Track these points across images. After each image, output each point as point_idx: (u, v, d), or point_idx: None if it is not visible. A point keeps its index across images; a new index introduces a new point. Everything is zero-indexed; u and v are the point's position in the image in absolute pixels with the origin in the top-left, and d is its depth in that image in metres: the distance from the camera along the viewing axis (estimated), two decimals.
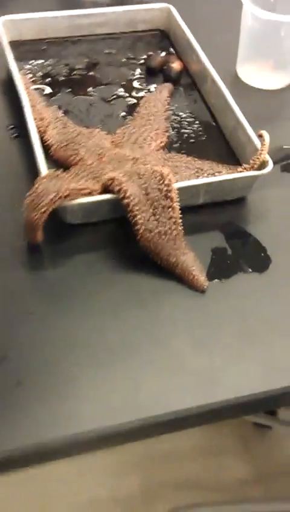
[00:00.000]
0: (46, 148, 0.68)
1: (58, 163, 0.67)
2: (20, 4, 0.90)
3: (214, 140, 0.72)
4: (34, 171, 0.63)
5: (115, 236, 0.63)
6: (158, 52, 0.83)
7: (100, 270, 0.60)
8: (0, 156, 0.70)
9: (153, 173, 0.61)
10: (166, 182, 0.60)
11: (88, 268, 0.61)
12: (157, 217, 0.59)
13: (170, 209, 0.59)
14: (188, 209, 0.62)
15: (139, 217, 0.59)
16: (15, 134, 0.72)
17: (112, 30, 0.85)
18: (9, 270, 0.60)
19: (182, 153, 0.70)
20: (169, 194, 0.59)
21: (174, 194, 0.60)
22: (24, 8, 0.85)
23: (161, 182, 0.60)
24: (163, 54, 0.83)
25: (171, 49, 0.84)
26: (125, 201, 0.59)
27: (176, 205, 0.60)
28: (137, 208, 0.59)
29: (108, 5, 0.91)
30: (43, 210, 0.58)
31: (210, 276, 0.60)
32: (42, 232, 0.59)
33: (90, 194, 0.61)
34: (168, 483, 1.21)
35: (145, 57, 0.82)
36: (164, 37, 0.86)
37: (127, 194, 0.59)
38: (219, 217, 0.66)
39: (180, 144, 0.72)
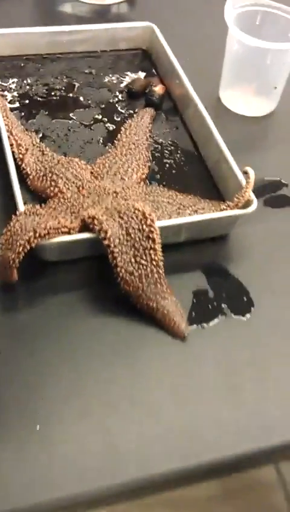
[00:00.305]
0: (21, 175, 0.65)
1: (35, 192, 0.65)
2: None
3: (196, 172, 0.70)
4: (10, 203, 0.61)
5: (93, 276, 0.61)
6: (139, 74, 0.81)
7: (76, 312, 0.58)
8: None
9: (135, 212, 0.58)
10: (148, 223, 0.58)
11: (63, 309, 0.58)
12: (138, 259, 0.57)
13: (151, 251, 0.57)
14: (168, 247, 0.60)
15: (119, 259, 0.57)
16: None
17: (92, 48, 0.82)
18: None
19: (163, 185, 0.68)
20: (151, 235, 0.57)
21: (156, 236, 0.57)
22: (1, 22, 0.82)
23: (143, 222, 0.58)
24: (144, 75, 0.80)
25: (153, 70, 0.82)
26: (106, 242, 0.57)
27: (158, 247, 0.57)
28: (117, 249, 0.57)
29: (90, 19, 0.89)
30: (19, 250, 0.55)
31: (191, 321, 0.58)
32: (17, 271, 0.57)
33: (68, 232, 0.58)
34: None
35: (126, 78, 0.80)
36: (146, 56, 0.84)
37: (108, 235, 0.57)
38: (200, 255, 0.64)
39: (161, 174, 0.69)
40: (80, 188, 0.63)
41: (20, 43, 0.79)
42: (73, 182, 0.64)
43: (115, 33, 0.83)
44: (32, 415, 0.51)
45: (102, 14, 0.92)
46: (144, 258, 0.57)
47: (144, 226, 0.58)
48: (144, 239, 0.57)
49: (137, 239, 0.57)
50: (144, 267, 0.57)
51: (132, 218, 0.58)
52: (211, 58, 0.83)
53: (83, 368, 0.54)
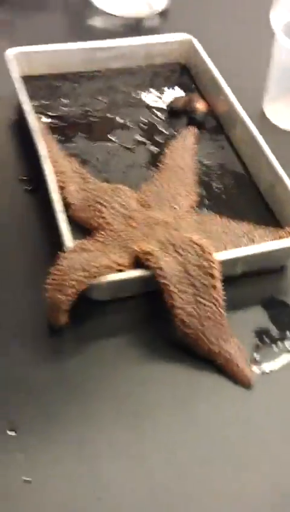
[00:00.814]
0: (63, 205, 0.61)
1: (78, 222, 0.61)
2: (23, 33, 0.83)
3: (248, 196, 0.66)
4: (55, 235, 0.56)
5: (145, 315, 0.56)
6: (178, 90, 0.76)
7: (128, 356, 0.53)
8: (13, 215, 0.62)
9: (191, 245, 0.54)
10: (207, 257, 0.53)
11: (114, 353, 0.54)
12: (198, 298, 0.52)
13: (212, 289, 0.53)
14: (222, 281, 0.55)
15: (177, 299, 0.52)
16: (29, 188, 0.64)
17: (128, 64, 0.77)
18: (23, 356, 0.52)
19: (214, 212, 0.63)
20: (211, 271, 0.53)
21: (216, 271, 0.53)
22: (29, 38, 0.77)
23: (201, 256, 0.53)
24: (182, 92, 0.76)
25: (193, 85, 0.77)
26: (162, 280, 0.52)
27: (219, 284, 0.53)
28: (175, 289, 0.52)
29: (122, 32, 0.84)
30: (70, 292, 0.51)
31: (254, 365, 0.53)
32: (68, 314, 0.53)
33: (120, 269, 0.54)
34: None
35: (165, 95, 0.75)
36: (184, 71, 0.79)
37: (165, 273, 0.52)
38: (257, 289, 0.59)
39: (211, 200, 0.65)
40: (128, 219, 0.59)
41: (55, 60, 0.74)
42: (120, 212, 0.59)
43: (152, 47, 0.78)
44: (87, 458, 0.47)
45: (134, 28, 0.87)
46: (204, 297, 0.53)
47: (203, 261, 0.53)
48: (204, 275, 0.53)
49: (196, 276, 0.53)
50: (205, 307, 0.52)
51: (189, 252, 0.54)
52: (254, 70, 0.78)
53: (137, 418, 0.50)
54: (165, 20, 0.90)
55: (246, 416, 0.51)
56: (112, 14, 0.89)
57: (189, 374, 0.53)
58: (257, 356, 0.54)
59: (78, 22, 0.89)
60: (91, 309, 0.55)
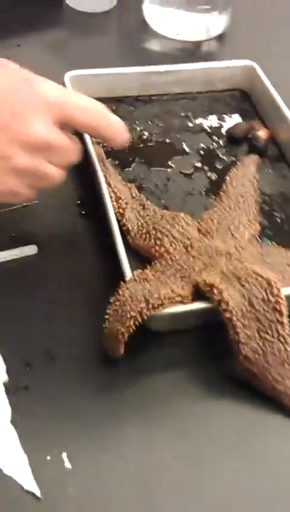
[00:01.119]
0: (121, 231, 0.59)
1: (136, 250, 0.59)
2: (79, 55, 0.82)
3: None
4: (112, 263, 0.55)
5: (205, 349, 0.54)
6: (238, 117, 0.74)
7: (186, 392, 0.51)
8: (70, 240, 0.61)
9: (257, 279, 0.52)
10: (274, 292, 0.50)
11: (171, 388, 0.51)
12: (263, 334, 0.50)
13: (278, 325, 0.50)
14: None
15: (242, 334, 0.50)
16: (83, 211, 0.63)
17: (187, 89, 0.76)
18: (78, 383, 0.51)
19: (276, 243, 0.61)
20: (278, 307, 0.50)
21: (283, 307, 0.50)
22: (85, 61, 0.76)
23: (268, 291, 0.51)
24: (242, 118, 0.74)
25: (254, 112, 0.75)
26: (227, 315, 0.50)
27: (286, 320, 0.50)
28: (240, 323, 0.50)
29: (179, 57, 0.83)
30: (129, 323, 0.49)
31: None
32: (126, 345, 0.51)
33: (181, 301, 0.52)
34: None
35: (224, 121, 0.74)
36: (245, 97, 0.77)
37: (230, 307, 0.50)
38: None
39: (273, 230, 0.62)
40: (189, 248, 0.57)
41: (112, 84, 0.73)
42: (180, 241, 0.57)
43: (212, 73, 0.76)
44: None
45: (191, 52, 0.86)
46: (270, 333, 0.50)
47: (270, 296, 0.51)
48: (270, 311, 0.50)
49: (261, 311, 0.50)
50: (270, 343, 0.50)
51: (254, 286, 0.51)
52: None
53: (197, 457, 0.48)
54: (222, 44, 0.88)
55: None
56: (168, 38, 0.87)
57: (250, 412, 0.50)
58: None
59: (135, 45, 0.87)
60: (148, 340, 0.53)
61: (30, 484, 0.45)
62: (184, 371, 0.52)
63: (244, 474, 0.47)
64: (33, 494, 0.45)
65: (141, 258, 0.58)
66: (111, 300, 0.50)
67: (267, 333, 0.50)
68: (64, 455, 0.47)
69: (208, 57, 0.82)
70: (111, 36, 0.89)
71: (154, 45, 0.88)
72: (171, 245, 0.57)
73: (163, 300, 0.50)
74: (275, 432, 0.50)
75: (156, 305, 0.49)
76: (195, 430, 0.49)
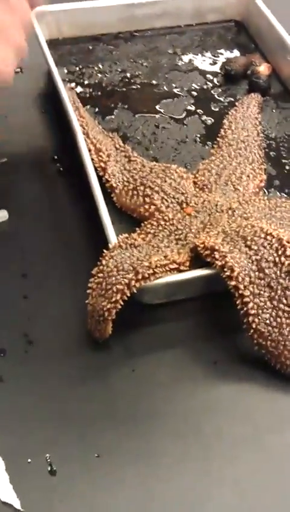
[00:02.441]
0: (104, 188, 0.52)
1: (123, 210, 0.52)
2: None
3: None
4: (95, 230, 0.48)
5: (208, 322, 0.47)
6: (235, 52, 0.67)
7: (187, 375, 0.45)
8: (46, 201, 0.54)
9: (266, 239, 0.44)
10: (287, 253, 0.43)
11: (170, 371, 0.45)
12: (276, 303, 0.43)
13: None
14: None
15: (251, 305, 0.42)
16: (61, 168, 0.56)
17: (174, 23, 0.69)
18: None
19: (286, 194, 0.54)
20: None
21: None
22: None
23: (280, 252, 0.43)
24: (238, 53, 0.67)
25: (252, 46, 0.68)
26: (232, 283, 0.42)
27: None
28: (248, 292, 0.42)
29: None
30: (116, 298, 0.41)
31: None
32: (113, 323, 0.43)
33: (177, 268, 0.44)
34: None
35: (220, 57, 0.67)
36: (241, 29, 0.70)
37: (235, 273, 0.42)
38: None
39: (281, 179, 0.56)
40: (184, 205, 0.49)
41: (87, 20, 0.66)
42: (173, 197, 0.50)
43: (202, 3, 0.69)
44: None
45: None
46: (284, 301, 0.43)
47: (282, 258, 0.43)
48: (283, 275, 0.43)
49: (273, 276, 0.43)
50: (285, 313, 0.42)
51: (263, 247, 0.44)
52: None
53: (211, 449, 0.42)
54: None
55: None
56: None
57: (268, 395, 0.44)
58: None
59: None
60: (140, 315, 0.47)
61: (8, 494, 0.39)
62: (185, 349, 0.46)
63: (253, 466, 0.41)
64: (12, 507, 0.39)
65: (130, 221, 0.51)
66: (93, 272, 0.44)
67: (280, 301, 0.43)
68: (47, 457, 0.41)
69: None
70: None
71: None
72: (162, 202, 0.50)
73: (155, 269, 0.43)
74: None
75: (146, 275, 0.43)
76: (198, 421, 0.43)
